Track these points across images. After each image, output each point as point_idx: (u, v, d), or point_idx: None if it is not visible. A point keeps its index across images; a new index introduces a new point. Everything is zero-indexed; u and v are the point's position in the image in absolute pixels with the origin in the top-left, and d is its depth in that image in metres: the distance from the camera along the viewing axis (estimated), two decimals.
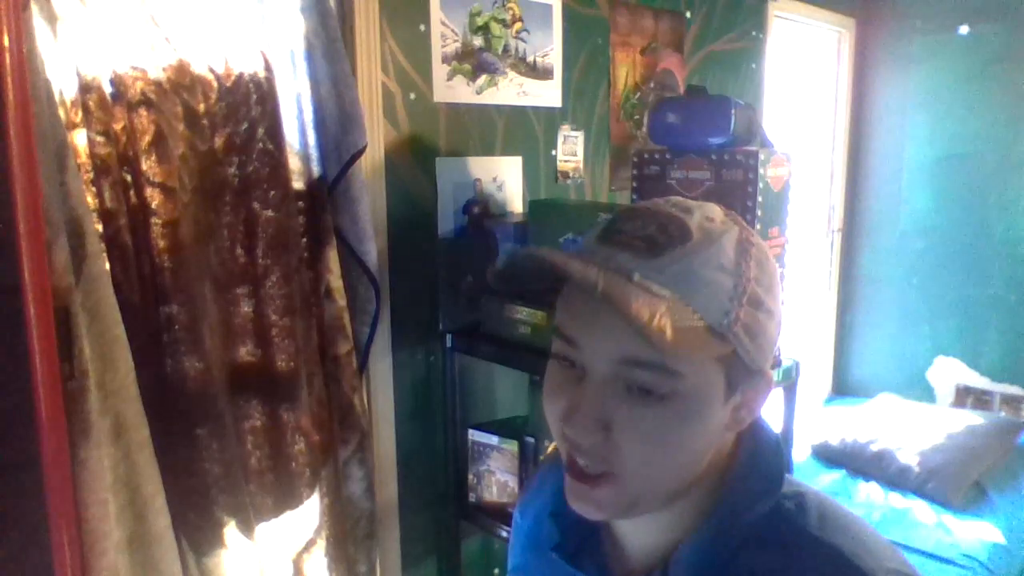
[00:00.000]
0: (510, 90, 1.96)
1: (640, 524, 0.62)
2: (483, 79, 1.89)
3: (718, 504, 0.59)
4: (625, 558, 0.65)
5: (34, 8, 1.06)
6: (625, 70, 2.32)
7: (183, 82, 1.30)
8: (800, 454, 2.95)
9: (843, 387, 3.75)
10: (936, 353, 3.47)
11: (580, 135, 2.19)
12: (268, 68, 1.42)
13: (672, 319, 0.50)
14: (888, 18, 3.44)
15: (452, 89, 1.82)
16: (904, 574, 0.56)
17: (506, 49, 1.94)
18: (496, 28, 1.90)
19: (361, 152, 1.52)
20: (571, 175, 2.18)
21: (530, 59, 2.00)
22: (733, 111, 1.54)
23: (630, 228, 0.56)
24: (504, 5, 1.91)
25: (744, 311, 0.54)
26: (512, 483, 1.81)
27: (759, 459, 0.61)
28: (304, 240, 1.52)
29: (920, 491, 2.62)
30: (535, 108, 2.04)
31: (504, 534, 1.80)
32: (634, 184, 1.72)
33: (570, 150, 2.17)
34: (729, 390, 0.56)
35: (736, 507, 0.59)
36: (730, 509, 0.59)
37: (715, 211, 0.58)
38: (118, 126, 1.22)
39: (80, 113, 1.16)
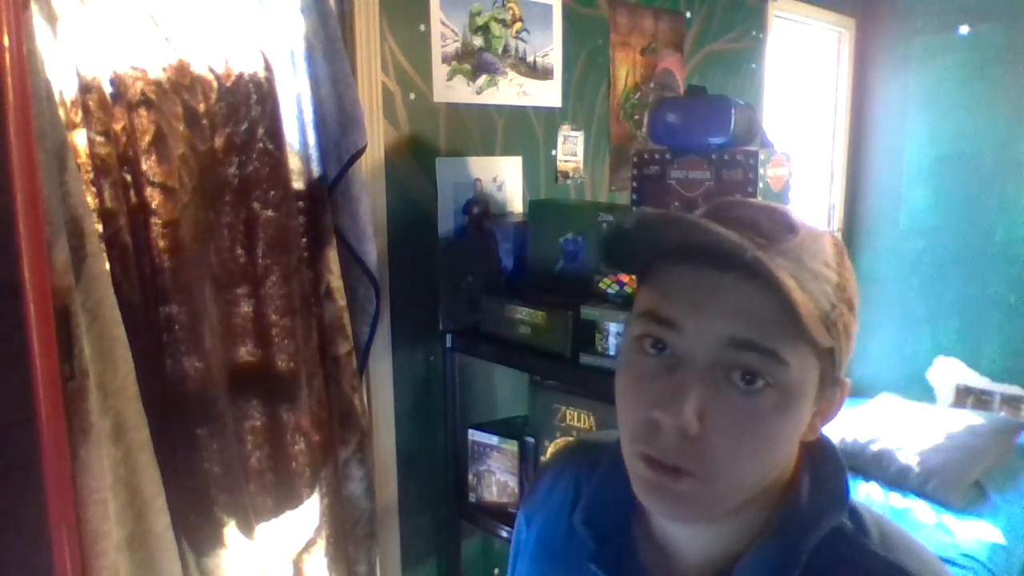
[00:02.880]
0: (510, 90, 1.96)
1: (692, 535, 0.59)
2: (483, 79, 1.89)
3: (782, 521, 0.57)
4: (671, 569, 0.61)
5: (34, 8, 1.06)
6: (625, 70, 2.32)
7: (183, 82, 1.30)
8: None
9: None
10: (936, 353, 3.47)
11: (580, 135, 2.19)
12: (268, 68, 1.42)
13: (803, 300, 0.49)
14: (888, 18, 3.44)
15: (452, 89, 1.82)
16: None
17: (506, 49, 1.94)
18: (496, 28, 1.90)
19: (361, 152, 1.52)
20: (571, 175, 2.18)
21: (530, 59, 2.00)
22: (733, 111, 1.54)
23: (737, 215, 0.54)
24: (504, 5, 1.91)
25: (845, 310, 0.53)
26: (512, 483, 1.81)
27: (824, 476, 0.59)
28: (304, 240, 1.51)
29: (920, 491, 2.62)
30: (535, 108, 2.04)
31: (504, 534, 1.80)
32: (634, 184, 1.72)
33: (570, 150, 2.17)
34: (819, 392, 0.54)
35: (800, 526, 0.56)
36: (793, 528, 0.56)
37: (805, 215, 0.58)
38: (118, 126, 1.22)
39: (80, 113, 1.16)
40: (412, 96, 1.75)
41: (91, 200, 1.17)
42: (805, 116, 3.38)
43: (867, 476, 2.77)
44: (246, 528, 1.39)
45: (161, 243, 1.27)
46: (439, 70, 1.79)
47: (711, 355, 0.51)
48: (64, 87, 1.14)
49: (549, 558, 0.69)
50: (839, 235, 3.62)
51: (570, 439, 1.71)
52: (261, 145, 1.42)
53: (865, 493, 2.69)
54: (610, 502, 0.58)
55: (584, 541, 0.63)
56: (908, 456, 2.72)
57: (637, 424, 0.54)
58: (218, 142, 1.38)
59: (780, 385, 0.51)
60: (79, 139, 1.17)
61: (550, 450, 1.75)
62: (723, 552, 0.58)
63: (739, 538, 0.58)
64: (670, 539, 0.61)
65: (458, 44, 1.82)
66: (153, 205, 1.26)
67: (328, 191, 1.54)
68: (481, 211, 1.89)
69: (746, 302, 0.50)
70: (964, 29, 3.22)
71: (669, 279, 0.54)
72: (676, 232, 0.52)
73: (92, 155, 1.18)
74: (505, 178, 1.99)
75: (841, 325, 0.53)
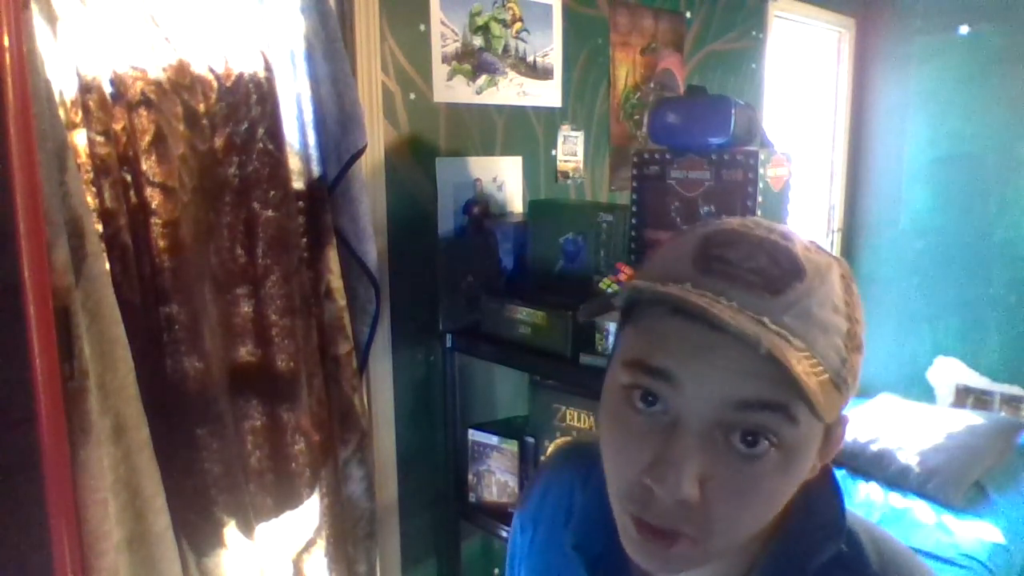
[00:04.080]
0: (510, 90, 1.96)
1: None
2: (483, 79, 1.89)
3: (777, 551, 0.55)
4: None
5: (34, 8, 1.06)
6: (625, 70, 2.32)
7: (183, 82, 1.30)
8: None
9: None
10: (936, 353, 3.47)
11: (580, 135, 2.19)
12: (268, 68, 1.42)
13: (810, 367, 0.45)
14: (888, 18, 3.44)
15: (452, 89, 1.82)
16: None
17: (506, 49, 1.94)
18: (496, 28, 1.90)
19: (361, 152, 1.52)
20: (571, 175, 2.18)
21: (530, 59, 2.00)
22: (733, 111, 1.54)
23: (735, 257, 0.48)
24: (504, 5, 1.91)
25: (855, 357, 0.49)
26: (512, 483, 1.81)
27: (818, 506, 0.56)
28: (304, 240, 1.51)
29: (920, 491, 2.62)
30: (535, 108, 2.04)
31: (504, 534, 1.80)
32: (634, 184, 1.72)
33: (570, 150, 2.17)
34: (824, 439, 0.51)
35: (797, 555, 0.54)
36: (791, 557, 0.54)
37: (808, 239, 0.52)
38: (118, 126, 1.22)
39: (80, 113, 1.16)
40: (412, 96, 1.75)
41: (91, 200, 1.17)
42: (805, 116, 3.38)
43: (867, 476, 2.77)
44: (246, 528, 1.39)
45: (161, 243, 1.27)
46: (439, 70, 1.79)
47: (713, 417, 0.47)
48: (64, 87, 1.14)
49: (544, 568, 0.68)
50: (838, 235, 3.63)
51: (569, 439, 1.71)
52: (261, 145, 1.42)
53: (865, 493, 2.69)
54: (601, 522, 0.55)
55: (576, 564, 0.62)
56: (908, 456, 2.72)
57: (630, 485, 0.49)
58: (218, 142, 1.38)
59: (785, 445, 0.47)
60: (79, 139, 1.17)
61: (550, 450, 1.75)
62: None
63: (733, 571, 0.56)
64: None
65: (458, 44, 1.82)
66: (153, 205, 1.26)
67: (328, 191, 1.54)
68: (481, 211, 1.90)
69: (752, 361, 0.45)
70: (964, 29, 3.23)
71: (660, 329, 0.49)
72: (672, 301, 0.48)
73: (92, 155, 1.18)
74: (505, 178, 1.99)
75: (851, 376, 0.49)
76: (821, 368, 0.46)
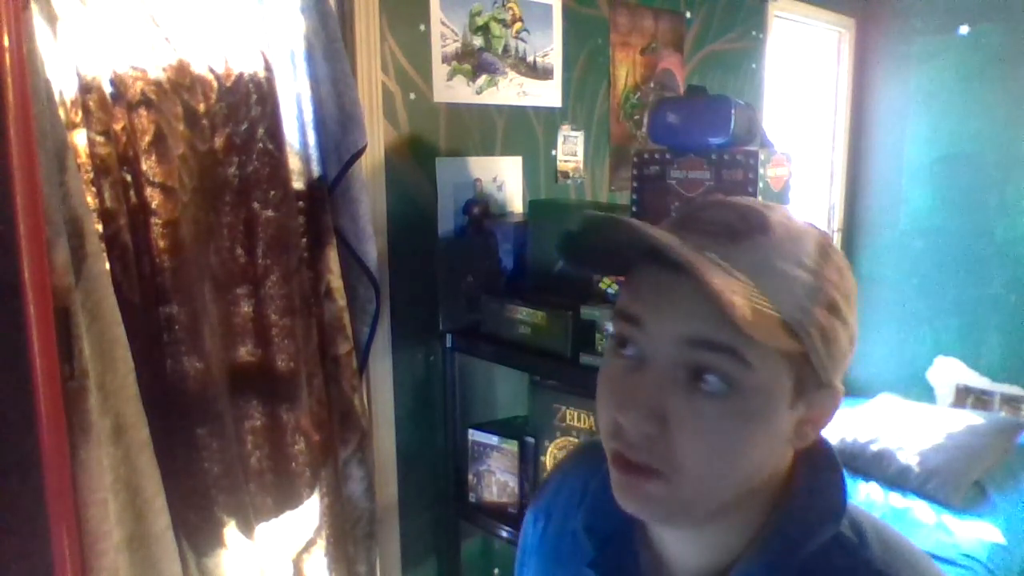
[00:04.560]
0: (510, 90, 1.96)
1: (685, 541, 0.59)
2: (483, 79, 1.89)
3: (774, 530, 0.55)
4: None
5: (34, 8, 1.06)
6: (625, 70, 2.32)
7: (183, 82, 1.30)
8: None
9: (843, 387, 3.74)
10: (936, 353, 3.47)
11: (580, 135, 2.19)
12: (268, 68, 1.42)
13: (748, 300, 0.47)
14: (888, 18, 3.44)
15: (452, 89, 1.82)
16: None
17: (506, 49, 1.94)
18: (496, 28, 1.90)
19: (361, 152, 1.52)
20: (571, 175, 2.18)
21: (530, 59, 2.00)
22: (733, 111, 1.54)
23: (708, 216, 0.53)
24: (504, 5, 1.91)
25: (821, 312, 0.51)
26: (512, 483, 1.81)
27: (821, 485, 0.57)
28: (304, 240, 1.51)
29: (920, 491, 2.62)
30: (535, 108, 2.04)
31: (504, 534, 1.80)
32: (634, 184, 1.71)
33: (570, 150, 2.17)
34: (796, 396, 0.52)
35: (795, 536, 0.55)
36: (788, 537, 0.55)
37: (795, 213, 0.56)
38: (118, 126, 1.22)
39: (80, 113, 1.16)
40: (412, 96, 1.75)
41: (91, 200, 1.17)
42: (805, 116, 3.38)
43: (867, 476, 2.77)
44: (246, 528, 1.39)
45: (161, 243, 1.27)
46: (439, 70, 1.79)
47: (671, 355, 0.51)
48: (64, 87, 1.14)
49: (555, 559, 0.70)
50: (838, 235, 3.63)
51: (571, 439, 1.71)
52: (261, 145, 1.42)
53: (865, 493, 2.69)
54: (611, 507, 0.56)
55: (585, 546, 0.64)
56: (908, 456, 2.72)
57: (608, 423, 0.54)
58: (218, 142, 1.38)
59: (743, 388, 0.50)
60: (79, 139, 1.17)
61: (550, 450, 1.75)
62: (717, 560, 0.57)
63: (732, 546, 0.57)
64: (666, 546, 0.61)
65: (458, 44, 1.82)
66: (153, 205, 1.26)
67: (328, 191, 1.54)
68: (481, 211, 1.89)
69: (703, 303, 0.48)
70: (964, 29, 3.23)
71: (638, 279, 0.54)
72: (619, 234, 0.52)
73: (92, 155, 1.18)
74: (505, 178, 1.99)
75: (816, 329, 0.50)
76: (772, 306, 0.49)
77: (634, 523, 0.63)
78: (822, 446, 0.59)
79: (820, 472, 0.58)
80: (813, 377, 0.53)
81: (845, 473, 0.59)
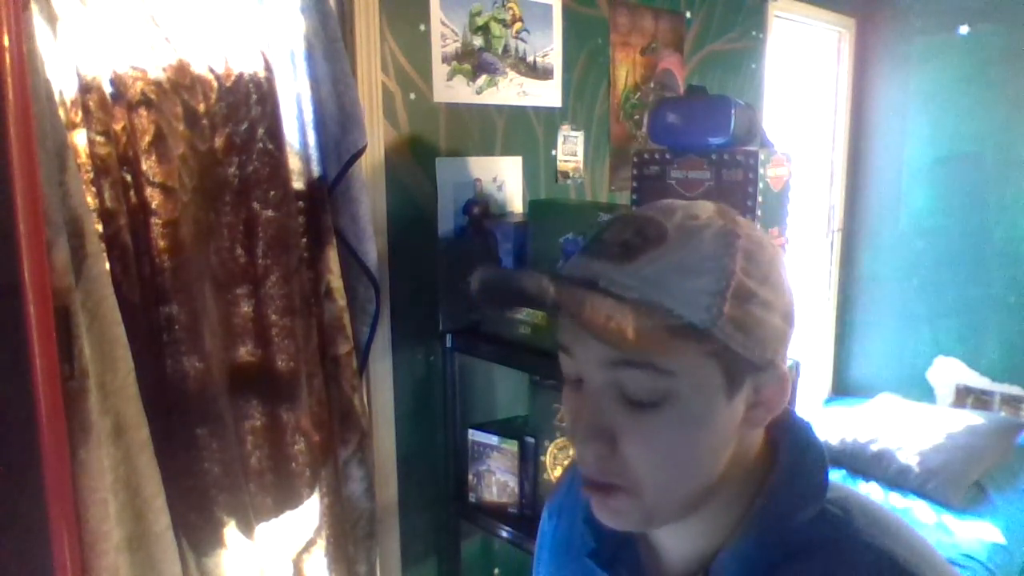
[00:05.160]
0: (510, 90, 1.96)
1: (674, 530, 0.61)
2: (483, 79, 1.89)
3: (760, 509, 0.57)
4: (662, 566, 0.63)
5: (34, 8, 1.06)
6: (625, 70, 2.32)
7: (183, 82, 1.30)
8: None
9: (843, 387, 3.75)
10: (936, 353, 3.47)
11: (580, 135, 2.19)
12: (268, 68, 1.42)
13: (636, 320, 0.49)
14: (888, 18, 3.44)
15: (452, 89, 1.82)
16: None
17: (506, 49, 1.94)
18: (496, 28, 1.90)
19: (361, 152, 1.52)
20: (571, 175, 2.18)
21: (530, 59, 2.00)
22: (733, 111, 1.54)
23: (609, 236, 0.55)
24: (504, 5, 1.91)
25: (730, 305, 0.51)
26: (512, 483, 1.81)
27: (802, 462, 0.59)
28: (304, 240, 1.51)
29: (920, 491, 2.62)
30: (535, 108, 2.04)
31: (504, 534, 1.80)
32: (634, 184, 1.72)
33: (570, 150, 2.17)
34: (731, 386, 0.54)
35: (780, 513, 0.57)
36: (774, 515, 0.57)
37: (703, 208, 0.56)
38: (118, 126, 1.22)
39: (80, 113, 1.16)
40: (412, 96, 1.75)
41: (91, 200, 1.17)
42: (805, 116, 3.38)
43: (867, 476, 2.78)
44: (246, 528, 1.39)
45: (161, 243, 1.27)
46: (439, 70, 1.79)
47: (603, 376, 0.54)
48: (64, 87, 1.14)
49: (566, 552, 0.73)
50: (838, 235, 3.63)
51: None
52: (261, 145, 1.42)
53: (865, 493, 2.69)
54: None
55: (587, 537, 0.66)
56: (908, 456, 2.72)
57: (575, 449, 0.57)
58: (218, 142, 1.38)
59: (676, 395, 0.52)
60: (79, 139, 1.17)
61: (550, 450, 1.75)
62: (707, 545, 0.59)
63: (717, 530, 0.59)
64: (658, 537, 0.63)
65: (458, 44, 1.82)
66: (153, 205, 1.26)
67: (328, 191, 1.54)
68: (481, 211, 1.89)
69: None
70: (964, 29, 3.23)
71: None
72: (507, 286, 0.55)
73: (92, 155, 1.18)
74: (505, 178, 1.99)
75: (726, 322, 0.51)
76: (674, 314, 0.51)
77: None
78: (797, 425, 0.61)
79: (799, 450, 0.59)
80: (745, 363, 0.54)
81: (822, 446, 0.61)
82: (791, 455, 0.59)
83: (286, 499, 1.50)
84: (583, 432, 0.54)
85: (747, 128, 1.59)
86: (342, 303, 1.57)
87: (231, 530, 1.37)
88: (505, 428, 1.87)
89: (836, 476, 2.78)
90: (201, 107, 1.33)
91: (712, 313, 0.51)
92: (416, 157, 1.78)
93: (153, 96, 1.25)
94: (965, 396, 3.40)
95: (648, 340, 0.49)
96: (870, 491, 2.69)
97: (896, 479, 2.69)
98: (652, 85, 2.41)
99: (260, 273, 1.44)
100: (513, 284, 0.54)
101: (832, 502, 0.58)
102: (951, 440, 2.77)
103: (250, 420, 1.46)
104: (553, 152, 2.12)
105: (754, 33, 2.86)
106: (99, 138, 1.18)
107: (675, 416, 0.53)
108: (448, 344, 1.83)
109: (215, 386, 1.34)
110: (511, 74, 1.96)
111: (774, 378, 0.56)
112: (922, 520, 2.50)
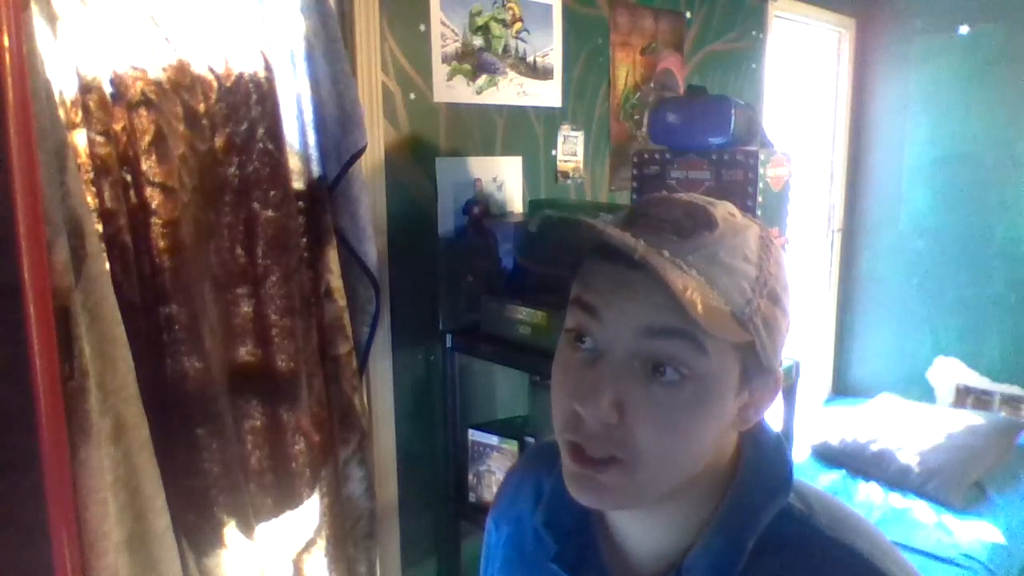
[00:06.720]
0: (510, 90, 1.96)
1: (641, 528, 0.61)
2: (483, 79, 1.89)
3: (727, 509, 0.58)
4: (628, 566, 0.63)
5: (34, 8, 1.06)
6: (625, 70, 2.32)
7: (183, 82, 1.30)
8: (800, 454, 2.95)
9: (843, 387, 3.75)
10: (936, 353, 3.47)
11: (580, 135, 2.19)
12: (268, 68, 1.42)
13: (705, 294, 0.50)
14: (888, 18, 3.44)
15: (452, 89, 1.82)
16: None
17: (506, 49, 1.94)
18: (496, 28, 1.90)
19: (361, 152, 1.52)
20: (571, 175, 2.18)
21: (530, 59, 2.00)
22: (733, 111, 1.54)
23: (656, 212, 0.56)
24: (504, 5, 1.91)
25: (764, 303, 0.54)
26: None
27: (764, 461, 0.60)
28: (304, 240, 1.51)
29: (920, 491, 2.62)
30: (535, 108, 2.04)
31: None
32: (634, 184, 1.72)
33: (570, 150, 2.17)
34: (742, 383, 0.55)
35: (747, 512, 0.58)
36: (741, 514, 0.58)
37: (735, 208, 0.59)
38: (118, 126, 1.22)
39: (80, 113, 1.16)
40: (412, 96, 1.75)
41: (91, 200, 1.17)
42: (805, 116, 3.38)
43: (867, 476, 2.78)
44: (246, 528, 1.39)
45: (161, 243, 1.27)
46: (439, 70, 1.79)
47: (629, 346, 0.53)
48: (64, 87, 1.14)
49: (519, 561, 0.71)
50: (838, 235, 3.63)
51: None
52: (261, 145, 1.42)
53: (865, 493, 2.69)
54: (569, 502, 0.58)
55: (547, 542, 0.65)
56: (908, 456, 2.72)
57: (564, 414, 0.55)
58: (218, 142, 1.38)
59: (698, 376, 0.53)
60: (79, 139, 1.17)
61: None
62: (674, 544, 0.60)
63: (687, 530, 0.59)
64: (625, 535, 0.63)
65: (458, 44, 1.82)
66: (153, 205, 1.26)
67: (328, 191, 1.54)
68: (481, 211, 1.89)
69: (660, 294, 0.50)
70: (964, 29, 3.23)
71: (593, 272, 0.56)
72: (577, 234, 0.54)
73: (92, 155, 1.18)
74: (505, 178, 1.99)
75: (759, 319, 0.53)
76: (722, 300, 0.52)
77: (592, 515, 0.65)
78: (764, 428, 0.62)
79: (765, 451, 0.61)
80: (756, 364, 0.55)
81: (784, 445, 0.62)
82: (757, 455, 0.60)
83: (286, 499, 1.50)
84: (596, 398, 0.53)
85: (747, 128, 1.59)
86: (342, 303, 1.57)
87: (231, 530, 1.37)
88: (505, 428, 1.87)
89: (836, 476, 2.78)
90: (201, 107, 1.33)
91: (752, 307, 0.53)
92: (416, 157, 1.78)
93: (153, 96, 1.25)
94: (965, 396, 3.40)
95: (712, 314, 0.50)
96: (870, 491, 2.69)
97: (896, 479, 2.69)
98: (652, 85, 2.41)
99: (260, 273, 1.44)
100: (584, 231, 0.52)
101: (797, 499, 0.59)
102: (951, 440, 2.77)
103: (250, 420, 1.46)
104: (553, 152, 2.12)
105: (754, 33, 2.86)
106: (99, 138, 1.18)
107: (692, 396, 0.53)
108: (448, 344, 1.83)
109: (215, 386, 1.34)
110: (511, 74, 1.96)
111: (771, 383, 0.58)
112: (922, 520, 2.50)
